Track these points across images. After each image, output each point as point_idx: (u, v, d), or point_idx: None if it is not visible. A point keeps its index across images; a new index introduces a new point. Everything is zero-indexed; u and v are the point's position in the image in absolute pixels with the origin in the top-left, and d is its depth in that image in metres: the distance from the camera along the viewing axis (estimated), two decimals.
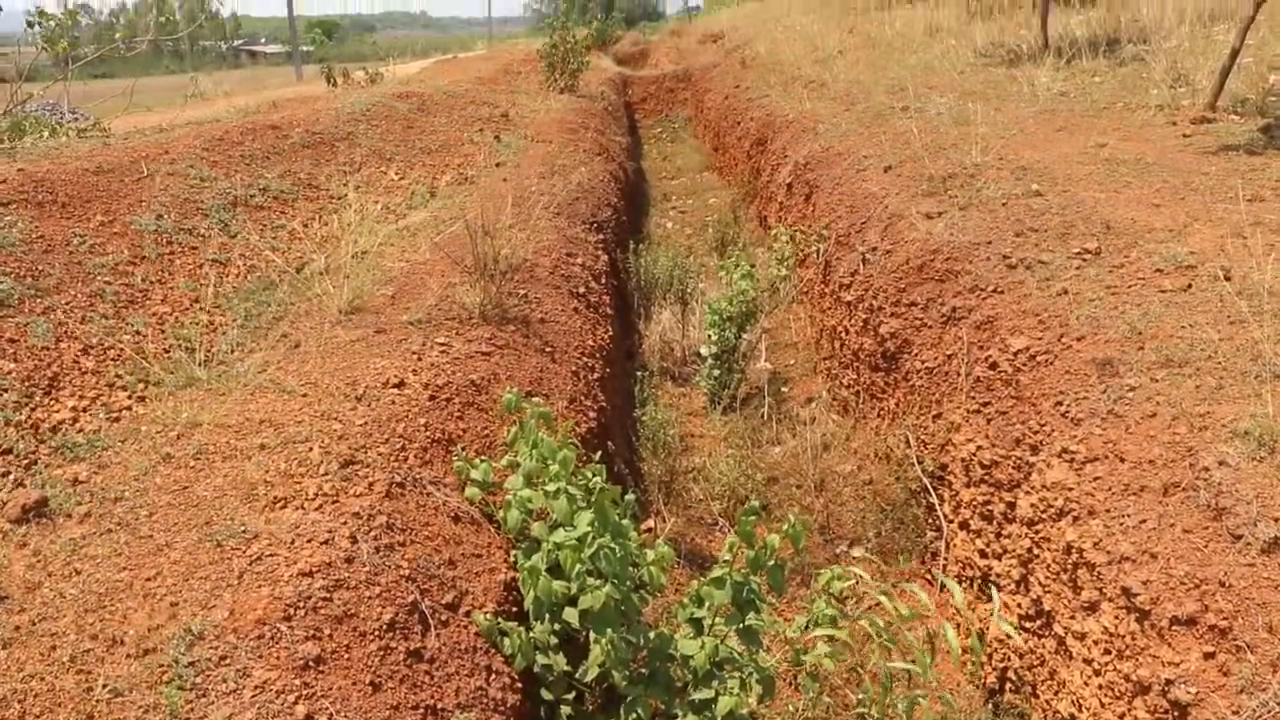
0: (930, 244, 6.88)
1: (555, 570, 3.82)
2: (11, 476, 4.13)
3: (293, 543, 3.60)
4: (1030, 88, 10.40)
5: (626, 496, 4.20)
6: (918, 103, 10.63)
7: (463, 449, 4.74)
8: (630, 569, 3.89)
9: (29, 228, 6.04)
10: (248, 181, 8.60)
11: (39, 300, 5.42)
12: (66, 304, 5.54)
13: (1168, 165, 6.99)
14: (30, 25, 9.06)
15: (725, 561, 3.88)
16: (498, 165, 11.62)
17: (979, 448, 5.51)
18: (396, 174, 10.79)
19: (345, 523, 3.77)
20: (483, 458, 4.60)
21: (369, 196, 8.35)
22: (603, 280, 8.84)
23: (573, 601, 3.71)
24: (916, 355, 6.63)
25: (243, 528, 3.68)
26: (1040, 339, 5.32)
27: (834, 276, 8.65)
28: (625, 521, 3.98)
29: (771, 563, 3.86)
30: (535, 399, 4.81)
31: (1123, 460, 4.27)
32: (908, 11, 19.01)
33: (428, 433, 4.75)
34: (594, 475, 4.23)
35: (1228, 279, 4.99)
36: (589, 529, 3.76)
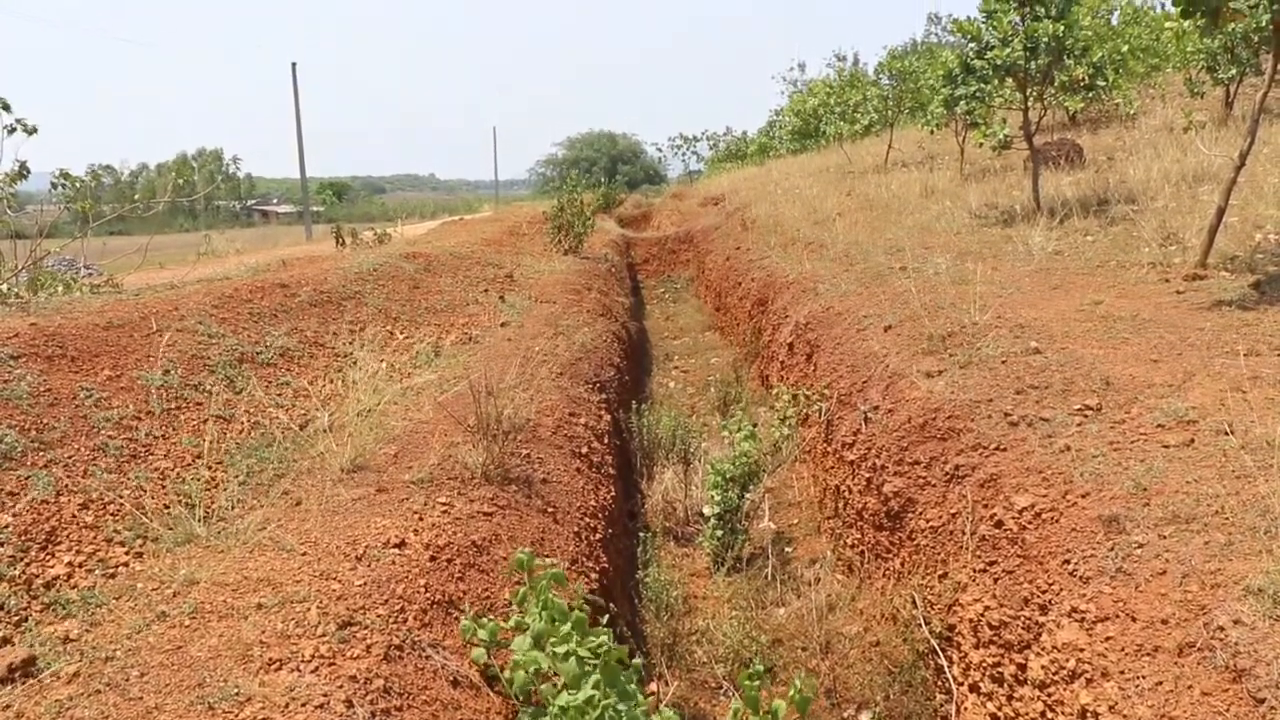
0: (932, 402, 6.91)
1: None
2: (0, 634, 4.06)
3: (287, 706, 3.50)
4: (1025, 247, 10.64)
5: (633, 660, 4.11)
6: (916, 262, 10.84)
7: (465, 611, 4.66)
8: None
9: (37, 381, 6.09)
10: (255, 339, 8.72)
11: (42, 453, 5.43)
12: (69, 457, 5.54)
13: (1163, 321, 7.09)
14: (54, 186, 9.40)
15: None
16: (502, 325, 11.81)
17: (987, 608, 5.41)
18: (402, 333, 10.95)
19: (341, 686, 3.68)
20: (489, 617, 4.52)
21: (374, 355, 8.45)
22: (605, 440, 8.85)
23: None
24: (921, 514, 6.57)
25: (236, 690, 3.58)
26: (1045, 496, 5.29)
27: (836, 435, 8.66)
28: (632, 686, 3.88)
29: None
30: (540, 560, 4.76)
31: (1134, 619, 4.18)
32: (904, 174, 19.63)
33: (428, 594, 4.68)
34: (601, 636, 4.15)
35: (1230, 433, 5.00)
36: (594, 691, 3.67)
